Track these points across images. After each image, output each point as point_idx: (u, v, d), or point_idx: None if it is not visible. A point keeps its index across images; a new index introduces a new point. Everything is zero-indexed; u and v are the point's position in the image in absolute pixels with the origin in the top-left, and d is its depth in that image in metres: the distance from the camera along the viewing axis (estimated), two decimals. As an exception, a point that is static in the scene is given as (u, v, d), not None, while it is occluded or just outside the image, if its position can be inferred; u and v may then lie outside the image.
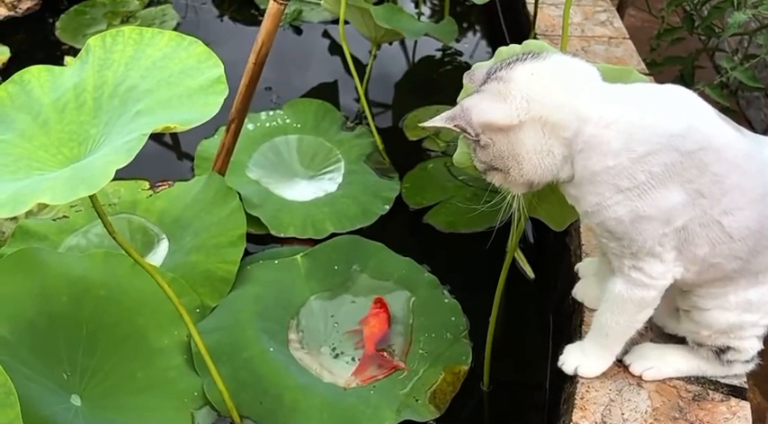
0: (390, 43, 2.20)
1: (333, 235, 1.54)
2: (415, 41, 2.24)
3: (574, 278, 1.22)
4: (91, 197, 0.94)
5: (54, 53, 2.11)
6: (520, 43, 1.06)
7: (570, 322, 1.23)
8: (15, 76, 1.07)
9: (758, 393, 1.42)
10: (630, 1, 2.31)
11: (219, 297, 1.36)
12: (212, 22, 2.33)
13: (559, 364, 1.06)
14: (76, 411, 1.13)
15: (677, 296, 1.00)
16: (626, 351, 1.04)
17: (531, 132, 0.86)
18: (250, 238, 1.46)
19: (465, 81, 0.97)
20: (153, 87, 0.98)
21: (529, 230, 1.61)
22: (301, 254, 1.47)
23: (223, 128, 1.53)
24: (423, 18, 2.39)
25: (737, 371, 1.02)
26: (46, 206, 1.51)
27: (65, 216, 1.50)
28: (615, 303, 0.96)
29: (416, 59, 2.22)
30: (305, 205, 1.62)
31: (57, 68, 1.09)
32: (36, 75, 1.07)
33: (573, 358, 1.05)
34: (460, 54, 2.22)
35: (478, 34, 2.36)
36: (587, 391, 1.02)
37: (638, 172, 0.84)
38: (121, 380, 1.20)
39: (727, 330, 0.96)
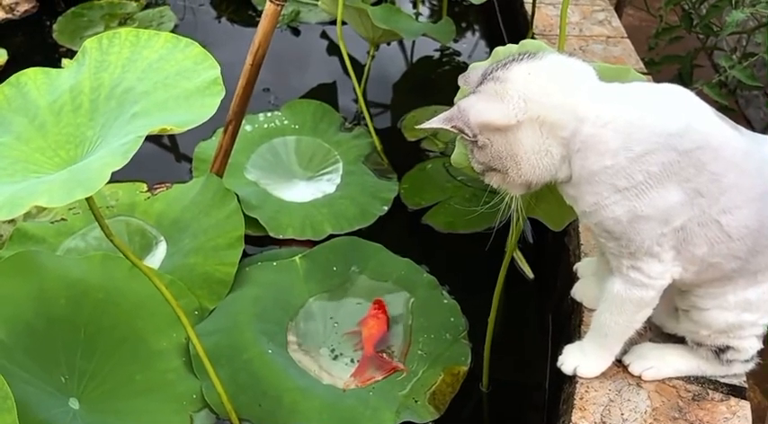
0: (388, 44, 2.20)
1: (331, 236, 1.53)
2: (414, 42, 2.24)
3: (573, 277, 1.22)
4: (87, 199, 0.94)
5: (52, 56, 2.10)
6: (518, 43, 1.05)
7: (569, 322, 1.23)
8: (12, 79, 1.07)
9: (758, 393, 1.42)
10: (628, 0, 2.30)
11: (218, 299, 1.36)
12: (210, 24, 2.33)
13: (558, 364, 1.06)
14: (75, 415, 1.13)
15: (676, 296, 0.99)
16: (625, 351, 1.04)
17: (528, 132, 0.86)
18: (248, 240, 1.46)
19: (460, 83, 0.97)
20: (149, 89, 0.98)
21: (528, 230, 1.61)
22: (300, 256, 1.46)
23: (221, 130, 1.53)
24: (421, 18, 2.39)
25: (737, 370, 1.02)
26: (44, 209, 1.51)
27: (63, 219, 1.49)
28: (614, 303, 0.95)
29: (415, 60, 2.22)
30: (303, 206, 1.62)
31: (53, 71, 1.09)
32: (32, 78, 1.07)
33: (572, 359, 1.05)
34: (459, 54, 2.22)
35: (477, 34, 2.36)
36: (587, 391, 1.02)
37: (636, 171, 0.84)
38: (120, 383, 1.19)
39: (726, 329, 0.96)
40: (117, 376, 1.20)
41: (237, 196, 1.49)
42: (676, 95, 0.88)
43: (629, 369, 1.04)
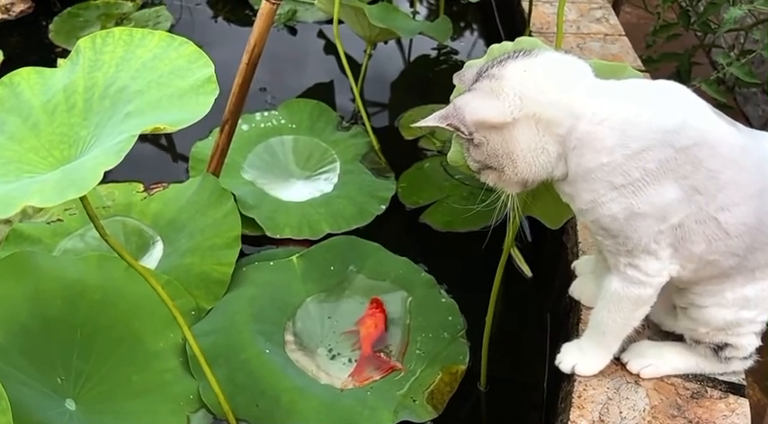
0: (386, 42, 2.19)
1: (329, 236, 1.53)
2: (411, 40, 2.24)
3: (571, 276, 1.21)
4: (82, 199, 0.93)
5: (47, 56, 2.10)
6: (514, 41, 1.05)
7: (567, 321, 1.22)
8: (5, 79, 1.06)
9: (757, 390, 1.42)
10: (626, -2, 2.30)
11: (215, 299, 1.35)
12: (207, 23, 2.33)
13: (557, 362, 1.06)
14: (71, 416, 1.12)
15: (674, 294, 0.99)
16: (623, 349, 1.03)
17: (524, 130, 0.86)
18: (245, 239, 1.45)
19: (455, 81, 0.97)
20: (143, 88, 0.98)
21: (526, 228, 1.60)
22: (297, 255, 1.46)
23: (217, 130, 1.53)
24: (418, 17, 2.39)
25: (736, 368, 1.01)
26: (40, 209, 1.50)
27: (59, 220, 1.49)
28: (612, 300, 0.95)
29: (412, 58, 2.21)
30: (300, 205, 1.61)
31: (47, 70, 1.08)
32: (26, 78, 1.06)
33: (570, 357, 1.05)
34: (456, 52, 2.22)
35: (474, 33, 2.36)
36: (585, 389, 1.02)
37: (633, 168, 0.83)
38: (116, 384, 1.19)
39: (724, 327, 0.95)
40: (114, 377, 1.19)
41: (234, 195, 1.49)
42: (672, 92, 0.88)
43: (628, 367, 1.04)
